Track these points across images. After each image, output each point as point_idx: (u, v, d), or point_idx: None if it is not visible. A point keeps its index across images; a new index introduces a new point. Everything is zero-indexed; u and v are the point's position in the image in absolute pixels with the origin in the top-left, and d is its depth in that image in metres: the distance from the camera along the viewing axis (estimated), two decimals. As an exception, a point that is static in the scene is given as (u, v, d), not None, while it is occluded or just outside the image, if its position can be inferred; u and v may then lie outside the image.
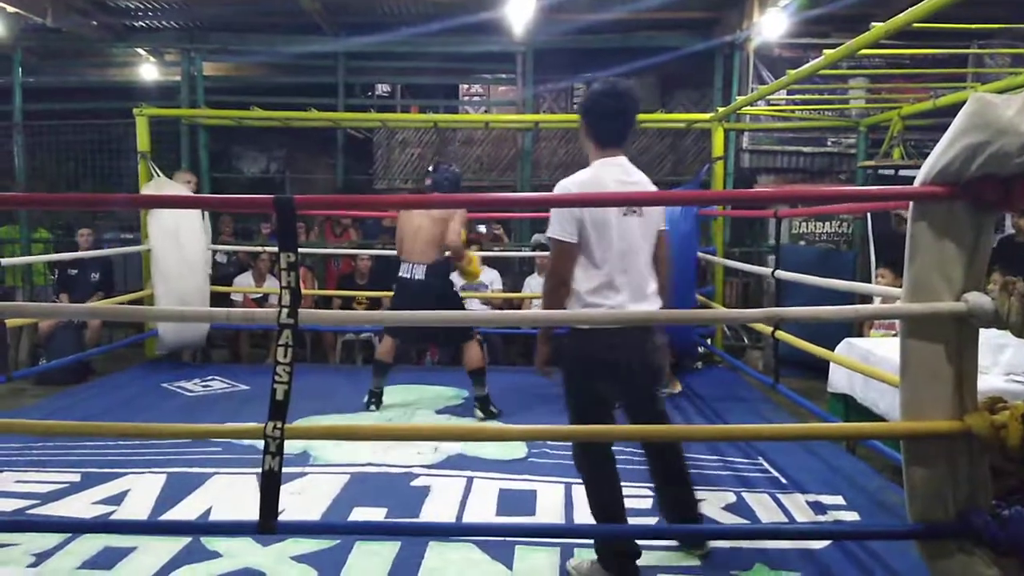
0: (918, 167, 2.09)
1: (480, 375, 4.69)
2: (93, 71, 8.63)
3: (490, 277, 6.56)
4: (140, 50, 8.18)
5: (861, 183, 6.72)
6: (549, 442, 3.96)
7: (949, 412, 2.02)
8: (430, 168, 4.92)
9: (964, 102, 1.96)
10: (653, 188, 2.79)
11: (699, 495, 3.31)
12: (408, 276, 4.57)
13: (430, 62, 7.88)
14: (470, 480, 3.50)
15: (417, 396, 5.12)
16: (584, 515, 3.11)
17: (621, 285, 2.57)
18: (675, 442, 2.88)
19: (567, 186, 2.61)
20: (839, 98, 7.31)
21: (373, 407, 4.75)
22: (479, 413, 4.67)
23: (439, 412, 4.76)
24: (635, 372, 2.59)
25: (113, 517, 3.06)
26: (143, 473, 3.52)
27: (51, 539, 2.75)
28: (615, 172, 2.65)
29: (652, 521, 3.08)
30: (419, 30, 7.32)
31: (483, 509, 3.19)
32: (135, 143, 6.15)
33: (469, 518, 3.11)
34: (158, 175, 6.02)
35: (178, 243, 5.73)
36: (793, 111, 7.26)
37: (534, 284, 6.80)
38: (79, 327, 6.03)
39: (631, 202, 2.63)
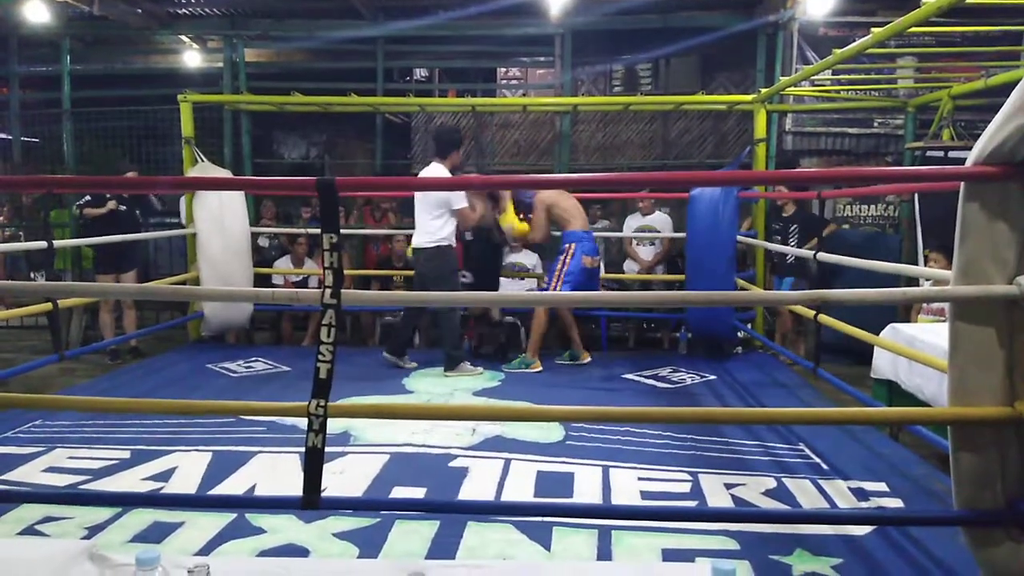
0: (968, 149, 2.04)
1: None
2: (138, 58, 8.81)
3: (532, 260, 6.56)
4: (183, 37, 8.30)
5: (909, 165, 6.55)
6: (586, 425, 3.97)
7: (999, 398, 1.98)
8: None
9: (1017, 81, 1.90)
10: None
11: (738, 480, 3.33)
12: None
13: (468, 46, 7.86)
14: (508, 462, 3.52)
15: (455, 380, 5.16)
16: (623, 497, 3.13)
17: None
18: None
19: None
20: (886, 78, 7.11)
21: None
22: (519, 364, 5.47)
23: (476, 395, 4.80)
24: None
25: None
26: (189, 451, 3.61)
27: (103, 513, 2.84)
28: None
29: (691, 504, 3.07)
30: (457, 14, 7.30)
31: (521, 491, 3.20)
32: (179, 129, 6.26)
33: (507, 499, 3.12)
34: (203, 160, 6.13)
35: (223, 227, 5.84)
36: (838, 92, 7.08)
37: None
38: None
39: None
